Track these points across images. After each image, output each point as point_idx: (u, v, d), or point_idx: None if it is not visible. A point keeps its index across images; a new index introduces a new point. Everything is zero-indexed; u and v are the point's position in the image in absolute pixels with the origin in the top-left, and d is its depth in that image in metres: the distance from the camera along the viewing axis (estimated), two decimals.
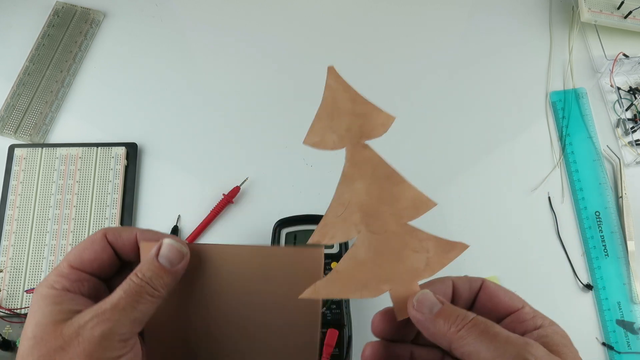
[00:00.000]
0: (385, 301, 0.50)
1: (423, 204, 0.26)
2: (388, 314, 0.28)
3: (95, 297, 0.28)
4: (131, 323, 0.26)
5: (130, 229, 0.29)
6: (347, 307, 0.46)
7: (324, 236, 0.25)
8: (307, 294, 0.26)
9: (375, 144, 0.59)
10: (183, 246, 0.28)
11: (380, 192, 0.26)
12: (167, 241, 0.27)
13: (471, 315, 0.25)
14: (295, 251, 0.26)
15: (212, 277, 0.28)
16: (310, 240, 0.27)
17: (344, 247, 0.48)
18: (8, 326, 0.48)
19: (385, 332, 0.29)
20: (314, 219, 0.49)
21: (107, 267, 0.28)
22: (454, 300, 0.28)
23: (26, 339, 0.25)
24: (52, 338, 0.24)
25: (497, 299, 0.27)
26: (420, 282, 0.28)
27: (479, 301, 0.28)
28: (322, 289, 0.25)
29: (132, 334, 0.26)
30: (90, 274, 0.28)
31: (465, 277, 0.28)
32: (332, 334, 0.44)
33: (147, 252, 0.27)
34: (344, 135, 0.26)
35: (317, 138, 0.26)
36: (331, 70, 0.26)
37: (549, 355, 0.24)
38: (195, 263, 0.28)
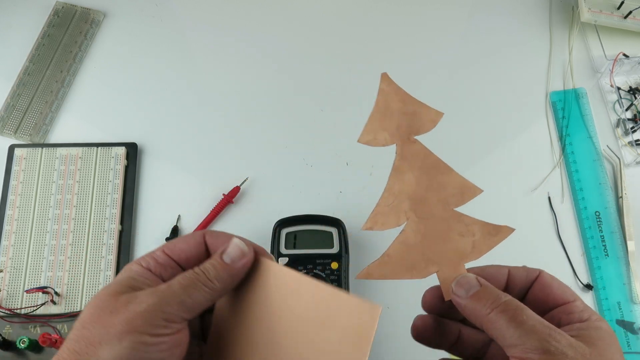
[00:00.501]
0: (384, 300, 0.50)
1: (469, 190, 0.28)
2: (438, 290, 0.29)
3: None
4: (178, 305, 0.26)
5: (227, 235, 0.30)
6: None
7: (376, 223, 0.27)
8: (361, 275, 0.27)
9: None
10: (246, 247, 0.28)
11: (429, 181, 0.27)
12: (234, 240, 0.29)
13: (504, 297, 0.26)
14: (355, 301, 0.26)
15: (273, 295, 0.28)
16: (363, 227, 0.28)
17: (344, 248, 0.48)
18: (8, 326, 0.48)
19: (434, 307, 0.30)
20: (314, 219, 0.49)
21: (193, 262, 0.29)
22: (507, 287, 0.29)
23: (95, 296, 0.26)
24: (109, 302, 0.26)
25: (549, 289, 0.28)
26: (470, 265, 0.29)
27: (532, 291, 0.28)
28: (374, 271, 0.27)
29: (178, 317, 0.26)
30: (177, 263, 0.29)
31: (524, 267, 0.29)
32: None
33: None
34: (394, 133, 0.28)
35: (370, 136, 0.28)
36: (384, 77, 0.28)
37: (570, 345, 0.24)
38: (263, 277, 0.28)
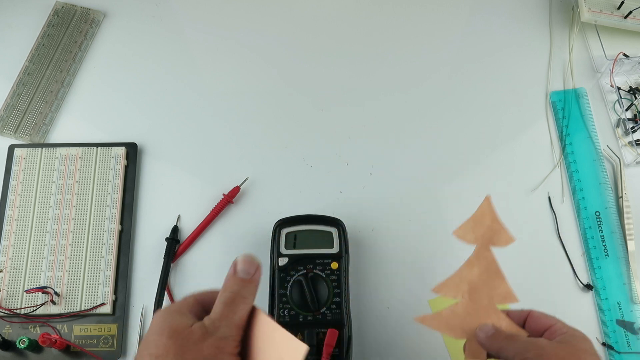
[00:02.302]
0: (383, 301, 0.50)
1: (510, 298, 0.37)
2: None
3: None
4: (236, 327, 0.31)
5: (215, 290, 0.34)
6: (347, 307, 0.46)
7: (441, 289, 0.37)
8: (418, 319, 0.37)
9: (372, 143, 0.59)
10: (254, 258, 0.33)
11: (487, 279, 0.37)
12: (239, 257, 0.33)
13: (506, 333, 0.36)
14: (287, 337, 0.31)
15: (255, 337, 0.33)
16: (434, 290, 0.37)
17: (344, 248, 0.48)
18: (8, 326, 0.48)
19: None
20: (314, 219, 0.49)
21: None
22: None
23: (161, 330, 0.30)
24: (187, 333, 0.30)
25: (539, 319, 0.37)
26: None
27: (528, 323, 0.38)
28: (428, 319, 0.37)
29: (240, 336, 0.31)
30: (203, 308, 0.33)
31: (519, 310, 0.38)
32: (332, 334, 0.44)
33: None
34: (478, 238, 0.37)
35: (462, 233, 0.37)
36: (487, 199, 0.38)
37: (547, 344, 0.34)
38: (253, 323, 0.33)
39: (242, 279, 0.32)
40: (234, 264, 0.33)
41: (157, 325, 0.31)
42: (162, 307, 0.34)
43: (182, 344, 0.30)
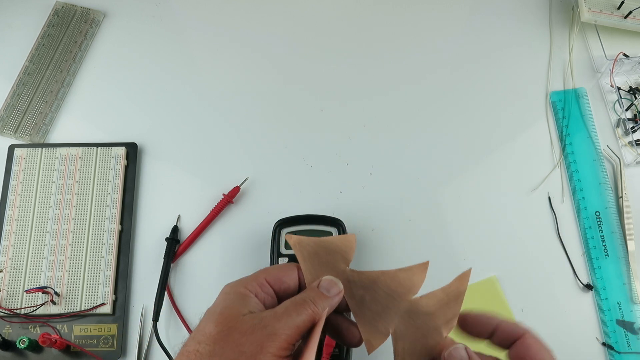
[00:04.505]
0: None
1: (415, 278, 0.32)
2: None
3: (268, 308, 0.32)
4: (295, 328, 0.29)
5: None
6: None
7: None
8: None
9: (372, 143, 0.59)
10: (338, 282, 0.33)
11: (387, 292, 0.32)
12: (325, 277, 0.33)
13: None
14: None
15: None
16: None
17: None
18: (8, 326, 0.48)
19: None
20: (314, 219, 0.49)
21: (288, 294, 0.33)
22: (494, 335, 0.32)
23: (213, 314, 0.30)
24: (236, 322, 0.29)
25: (529, 350, 0.31)
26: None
27: (515, 346, 0.31)
28: None
29: (293, 339, 0.29)
30: (275, 293, 0.33)
31: (514, 323, 0.32)
32: None
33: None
34: (339, 273, 0.33)
35: (311, 277, 0.33)
36: (289, 237, 0.34)
37: None
38: None
39: (321, 292, 0.32)
40: (319, 280, 0.33)
41: (214, 305, 0.31)
42: (233, 281, 0.33)
43: (226, 335, 0.29)
